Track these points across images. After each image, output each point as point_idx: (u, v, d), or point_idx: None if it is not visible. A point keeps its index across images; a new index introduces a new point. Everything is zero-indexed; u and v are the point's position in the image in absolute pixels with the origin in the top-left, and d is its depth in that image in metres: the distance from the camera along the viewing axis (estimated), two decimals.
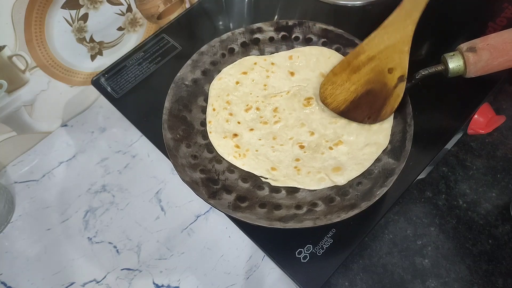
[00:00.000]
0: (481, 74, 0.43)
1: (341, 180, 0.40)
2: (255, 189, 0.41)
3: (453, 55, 0.43)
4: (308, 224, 0.37)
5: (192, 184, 0.39)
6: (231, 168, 0.43)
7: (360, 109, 0.43)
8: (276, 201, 0.40)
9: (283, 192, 0.41)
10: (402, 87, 0.42)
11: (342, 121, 0.44)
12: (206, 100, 0.47)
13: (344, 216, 0.36)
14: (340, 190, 0.40)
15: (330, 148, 0.43)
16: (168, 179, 0.52)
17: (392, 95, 0.42)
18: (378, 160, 0.40)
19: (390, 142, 0.41)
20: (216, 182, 0.41)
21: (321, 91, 0.45)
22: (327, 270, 0.40)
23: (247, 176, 0.42)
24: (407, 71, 0.42)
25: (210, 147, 0.44)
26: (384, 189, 0.37)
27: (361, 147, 0.42)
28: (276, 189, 0.41)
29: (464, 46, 0.43)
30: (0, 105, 0.51)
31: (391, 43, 0.42)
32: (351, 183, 0.40)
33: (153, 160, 0.54)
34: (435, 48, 0.55)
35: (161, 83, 0.47)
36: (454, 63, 0.43)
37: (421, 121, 0.42)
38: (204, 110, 0.47)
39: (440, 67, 0.43)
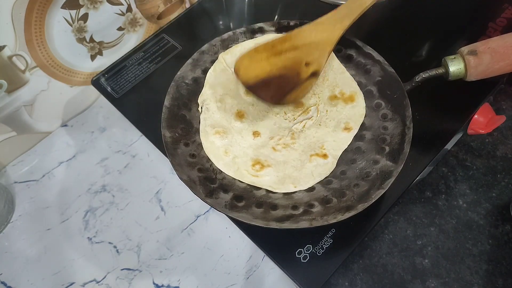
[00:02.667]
0: (481, 77, 0.43)
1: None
2: (252, 189, 0.41)
3: (454, 58, 0.43)
4: (304, 224, 0.37)
5: (190, 183, 0.39)
6: None
7: (267, 88, 0.45)
8: (273, 201, 0.40)
9: (280, 192, 0.41)
10: (312, 81, 0.44)
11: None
12: None
13: (340, 217, 0.36)
14: (337, 191, 0.40)
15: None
16: (168, 179, 0.52)
17: (301, 85, 0.44)
18: (375, 162, 0.40)
19: (388, 145, 0.41)
20: (213, 181, 0.41)
21: (237, 62, 0.45)
22: (327, 270, 0.40)
23: None
24: (321, 68, 0.44)
25: None
26: (381, 192, 0.37)
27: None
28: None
29: (465, 49, 0.43)
30: (0, 105, 0.51)
31: (317, 40, 0.44)
32: (348, 185, 0.40)
33: (153, 160, 0.54)
34: (435, 48, 0.55)
35: (161, 83, 0.47)
36: (454, 66, 0.43)
37: (421, 121, 0.42)
38: None
39: (440, 70, 0.44)
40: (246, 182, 0.41)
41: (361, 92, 0.45)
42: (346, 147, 0.43)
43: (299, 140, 0.44)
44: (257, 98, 0.46)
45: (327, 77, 0.47)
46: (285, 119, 0.45)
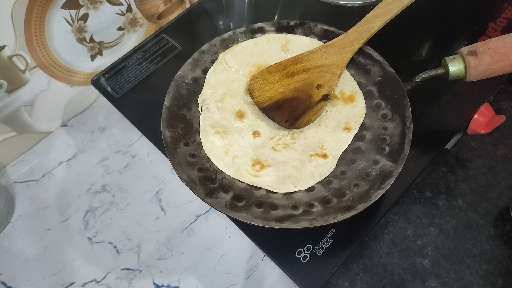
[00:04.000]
0: (481, 78, 0.43)
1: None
2: (252, 189, 0.41)
3: (454, 58, 0.43)
4: (304, 224, 0.37)
5: (190, 183, 0.39)
6: None
7: (281, 111, 0.45)
8: (273, 201, 0.40)
9: (280, 192, 0.41)
10: (323, 105, 0.45)
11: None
12: None
13: (340, 217, 0.36)
14: (337, 191, 0.40)
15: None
16: (168, 179, 0.52)
17: (313, 108, 0.45)
18: (376, 162, 0.40)
19: (388, 145, 0.41)
20: (213, 181, 0.41)
21: (251, 83, 0.46)
22: (327, 270, 0.40)
23: None
24: (332, 92, 0.45)
25: None
26: (381, 192, 0.37)
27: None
28: None
29: (465, 49, 0.43)
30: (0, 105, 0.51)
31: (327, 62, 0.45)
32: (348, 185, 0.40)
33: (153, 160, 0.54)
34: (435, 48, 0.55)
35: (161, 83, 0.47)
36: (454, 67, 0.43)
37: (421, 121, 0.42)
38: None
39: (440, 71, 0.44)
40: (246, 182, 0.41)
41: (361, 92, 0.45)
42: (346, 147, 0.43)
43: (299, 140, 0.44)
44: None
45: None
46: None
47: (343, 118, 0.44)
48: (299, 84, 0.45)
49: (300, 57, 0.46)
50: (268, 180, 0.41)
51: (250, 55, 0.48)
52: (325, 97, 0.45)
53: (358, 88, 0.45)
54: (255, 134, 0.44)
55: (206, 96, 0.46)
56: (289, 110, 0.45)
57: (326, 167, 0.41)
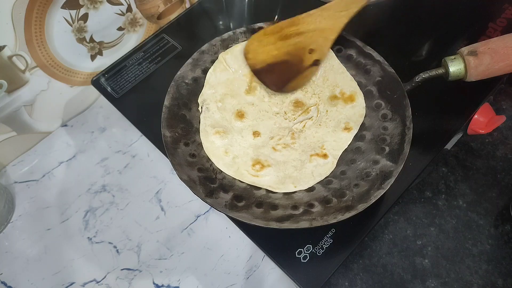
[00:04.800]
0: (481, 78, 0.43)
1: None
2: (252, 189, 0.41)
3: (454, 58, 0.43)
4: (304, 224, 0.37)
5: (190, 183, 0.39)
6: None
7: (271, 74, 0.45)
8: (273, 201, 0.40)
9: (280, 192, 0.41)
10: (313, 70, 0.44)
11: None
12: None
13: (340, 217, 0.36)
14: (337, 191, 0.40)
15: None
16: (168, 179, 0.52)
17: (302, 73, 0.44)
18: (375, 162, 0.40)
19: (388, 145, 0.41)
20: (213, 181, 0.41)
21: (247, 45, 0.46)
22: (327, 270, 0.40)
23: None
24: (324, 57, 0.44)
25: None
26: (381, 192, 0.37)
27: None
28: None
29: (465, 49, 0.43)
30: (0, 105, 0.51)
31: (322, 26, 0.44)
32: (348, 185, 0.40)
33: (153, 160, 0.54)
34: (435, 48, 0.55)
35: (161, 83, 0.47)
36: (454, 67, 0.43)
37: (421, 121, 0.42)
38: None
39: (440, 71, 0.44)
40: (246, 182, 0.41)
41: (361, 92, 0.45)
42: (346, 147, 0.43)
43: (299, 140, 0.44)
44: (258, 98, 0.46)
45: (327, 77, 0.47)
46: (285, 119, 0.45)
47: (343, 118, 0.44)
48: (292, 47, 0.45)
49: (296, 20, 0.45)
50: (268, 180, 0.41)
51: None
52: (316, 62, 0.44)
53: (358, 88, 0.45)
54: (255, 134, 0.44)
55: (206, 96, 0.46)
56: (280, 73, 0.45)
57: (326, 167, 0.41)
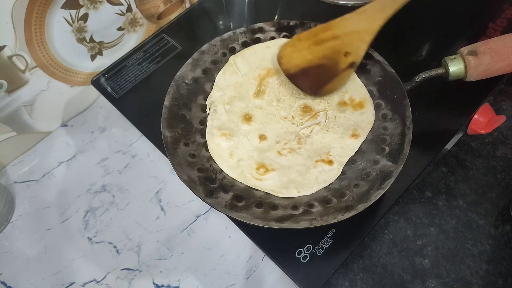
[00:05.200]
0: (481, 78, 0.43)
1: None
2: (252, 189, 0.41)
3: (454, 58, 0.43)
4: (304, 225, 0.37)
5: (190, 183, 0.39)
6: None
7: (306, 78, 0.45)
8: (273, 201, 0.40)
9: (283, 196, 0.41)
10: (349, 72, 0.44)
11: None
12: (206, 99, 0.47)
13: (340, 217, 0.36)
14: (336, 191, 0.40)
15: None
16: (168, 179, 0.52)
17: (338, 76, 0.44)
18: (375, 162, 0.40)
19: (388, 145, 0.41)
20: (213, 181, 0.41)
21: (280, 50, 0.46)
22: (327, 270, 0.40)
23: None
24: (360, 59, 0.44)
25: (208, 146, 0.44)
26: (381, 192, 0.37)
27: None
28: None
29: (465, 49, 0.43)
30: (0, 105, 0.51)
31: (358, 29, 0.44)
32: (348, 185, 0.40)
33: (153, 160, 0.54)
34: (435, 48, 0.55)
35: (161, 83, 0.47)
36: (454, 67, 0.43)
37: (421, 121, 0.42)
38: (203, 109, 0.47)
39: (440, 70, 0.44)
40: (249, 186, 0.41)
41: (371, 99, 0.45)
42: (353, 154, 0.42)
43: (305, 145, 0.43)
44: (266, 102, 0.46)
45: None
46: (293, 124, 0.45)
47: (351, 124, 0.44)
48: (327, 51, 0.45)
49: (331, 24, 0.45)
50: (271, 184, 0.41)
51: (261, 58, 0.48)
52: (352, 65, 0.44)
53: (368, 94, 0.45)
54: (261, 137, 0.44)
55: (215, 98, 0.46)
56: (315, 77, 0.45)
57: (331, 173, 0.41)
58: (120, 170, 0.54)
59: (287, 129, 0.45)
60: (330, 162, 0.41)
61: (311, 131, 0.44)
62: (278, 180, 0.41)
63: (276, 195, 0.40)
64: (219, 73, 0.48)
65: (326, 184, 0.40)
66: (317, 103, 0.46)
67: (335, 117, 0.45)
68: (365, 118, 0.44)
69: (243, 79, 0.47)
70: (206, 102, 0.46)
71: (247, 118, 0.45)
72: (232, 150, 0.43)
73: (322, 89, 0.45)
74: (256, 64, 0.48)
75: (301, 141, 0.44)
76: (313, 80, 0.45)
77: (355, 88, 0.46)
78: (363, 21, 0.44)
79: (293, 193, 0.40)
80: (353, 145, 0.43)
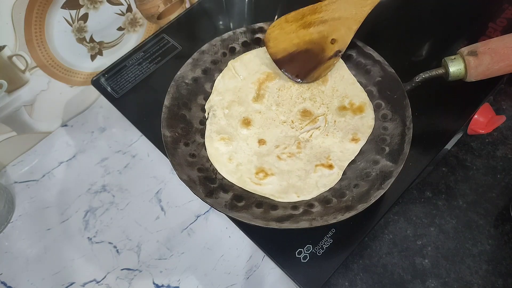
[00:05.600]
0: (481, 78, 0.43)
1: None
2: None
3: (454, 58, 0.43)
4: (304, 225, 0.37)
5: (190, 183, 0.39)
6: None
7: (293, 64, 0.45)
8: (273, 201, 0.40)
9: (282, 201, 0.41)
10: (334, 60, 0.45)
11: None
12: (206, 98, 0.47)
13: (340, 217, 0.36)
14: (336, 191, 0.40)
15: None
16: (168, 179, 0.52)
17: (324, 63, 0.45)
18: (375, 162, 0.40)
19: (388, 145, 0.41)
20: (213, 181, 0.41)
21: (267, 32, 0.46)
22: (327, 270, 0.40)
23: None
24: (345, 48, 0.44)
25: None
26: (381, 192, 0.37)
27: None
28: None
29: (465, 50, 0.43)
30: (0, 105, 0.51)
31: (345, 15, 0.44)
32: (348, 185, 0.40)
33: (153, 160, 0.54)
34: (435, 48, 0.55)
35: (161, 83, 0.47)
36: (454, 67, 0.43)
37: (421, 122, 0.42)
38: (203, 109, 0.47)
39: (440, 71, 0.44)
40: (248, 190, 0.41)
41: (371, 103, 0.45)
42: (353, 158, 0.42)
43: (305, 149, 0.43)
44: (265, 106, 0.46)
45: (336, 88, 0.47)
46: (292, 128, 0.45)
47: (351, 128, 0.44)
48: (314, 36, 0.45)
49: (319, 6, 0.45)
50: (271, 188, 0.41)
51: (260, 63, 0.48)
52: (337, 53, 0.44)
53: (368, 99, 0.45)
54: (261, 142, 0.44)
55: (214, 102, 0.46)
56: (301, 63, 0.45)
57: (331, 177, 0.41)
58: (120, 170, 0.54)
59: (287, 134, 0.44)
60: (330, 166, 0.41)
61: (311, 135, 0.44)
62: (278, 185, 0.41)
63: (276, 199, 0.40)
64: (218, 77, 0.48)
65: (326, 189, 0.40)
66: (317, 108, 0.46)
67: (335, 121, 0.45)
68: (365, 122, 0.44)
69: (242, 84, 0.47)
70: (205, 107, 0.46)
71: (246, 122, 0.45)
72: (231, 154, 0.43)
73: (309, 76, 0.45)
74: (255, 68, 0.48)
75: (300, 146, 0.43)
76: (300, 67, 0.45)
77: (354, 92, 0.46)
78: (351, 6, 0.44)
79: (293, 197, 0.40)
80: (353, 149, 0.42)
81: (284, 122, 0.45)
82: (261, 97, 0.47)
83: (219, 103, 0.46)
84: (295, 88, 0.47)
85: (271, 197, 0.40)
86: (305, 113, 0.46)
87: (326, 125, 0.44)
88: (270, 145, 0.44)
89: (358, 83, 0.46)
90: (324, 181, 0.41)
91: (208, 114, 0.46)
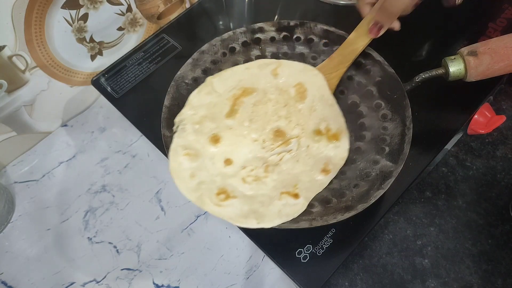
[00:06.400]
0: (481, 78, 0.43)
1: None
2: None
3: (454, 58, 0.43)
4: (304, 225, 0.37)
5: None
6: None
7: None
8: None
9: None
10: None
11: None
12: None
13: (340, 217, 0.36)
14: (337, 191, 0.40)
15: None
16: (168, 179, 0.52)
17: None
18: (375, 162, 0.40)
19: (388, 145, 0.41)
20: None
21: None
22: (327, 270, 0.40)
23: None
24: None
25: None
26: (381, 192, 0.37)
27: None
28: None
29: (465, 50, 0.43)
30: (0, 105, 0.51)
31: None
32: (347, 185, 0.40)
33: (153, 160, 0.54)
34: (435, 48, 0.55)
35: (161, 83, 0.47)
36: (454, 67, 0.43)
37: (421, 121, 0.42)
38: None
39: (440, 71, 0.44)
40: (206, 210, 0.39)
41: (347, 132, 0.43)
42: (321, 191, 0.40)
43: (273, 174, 0.41)
44: (238, 122, 0.44)
45: (314, 108, 0.44)
46: (263, 148, 0.42)
47: (323, 157, 0.42)
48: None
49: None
50: (230, 211, 0.38)
51: (238, 79, 0.46)
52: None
53: (345, 125, 0.43)
54: (227, 162, 0.41)
55: (185, 116, 0.44)
56: None
57: (296, 207, 0.38)
58: (120, 170, 0.54)
59: (255, 155, 0.42)
60: (296, 195, 0.39)
61: (281, 159, 0.42)
62: (239, 209, 0.38)
63: (233, 223, 0.38)
64: (194, 92, 0.45)
65: (288, 219, 0.38)
66: (291, 128, 0.44)
67: (308, 146, 0.42)
68: (338, 153, 0.42)
69: (217, 99, 0.45)
70: (175, 120, 0.44)
71: (215, 139, 0.42)
72: (194, 171, 0.40)
73: None
74: (232, 85, 0.46)
75: (268, 170, 0.41)
76: None
77: (332, 115, 0.44)
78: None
79: (252, 223, 0.37)
80: (321, 182, 0.40)
81: (256, 141, 0.43)
82: (235, 112, 0.44)
83: (190, 118, 0.44)
84: (271, 104, 0.45)
85: (230, 221, 0.38)
86: (278, 133, 0.43)
87: (298, 149, 0.42)
88: (237, 165, 0.41)
89: (338, 106, 0.44)
90: (287, 210, 0.38)
91: (177, 127, 0.43)
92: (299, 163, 0.41)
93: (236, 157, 0.42)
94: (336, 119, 0.44)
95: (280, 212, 0.38)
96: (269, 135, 0.43)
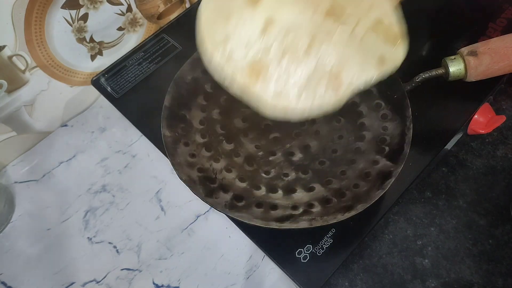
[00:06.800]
0: (481, 78, 0.43)
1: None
2: (252, 189, 0.41)
3: (454, 58, 0.43)
4: (304, 225, 0.37)
5: (190, 183, 0.39)
6: (229, 167, 0.43)
7: None
8: (273, 201, 0.40)
9: (280, 192, 0.41)
10: None
11: None
12: (206, 98, 0.47)
13: (340, 217, 0.36)
14: (337, 191, 0.40)
15: None
16: (168, 179, 0.52)
17: None
18: (375, 162, 0.40)
19: (388, 145, 0.41)
20: (213, 181, 0.41)
21: None
22: (327, 270, 0.40)
23: (244, 176, 0.42)
24: None
25: (208, 146, 0.44)
26: (381, 192, 0.37)
27: None
28: (272, 189, 0.41)
29: (465, 50, 0.43)
30: (0, 105, 0.51)
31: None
32: (347, 185, 0.40)
33: (153, 160, 0.54)
34: (435, 48, 0.55)
35: (161, 83, 0.47)
36: (454, 67, 0.43)
37: (421, 122, 0.42)
38: (203, 109, 0.47)
39: (440, 71, 0.44)
40: (236, 88, 0.34)
41: (407, 40, 0.36)
42: (372, 82, 0.35)
43: (317, 52, 0.34)
44: None
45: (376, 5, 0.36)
46: (311, 18, 0.34)
47: (377, 51, 0.35)
48: None
49: None
50: (263, 89, 0.33)
51: None
52: None
53: (405, 33, 0.36)
54: (266, 25, 0.34)
55: None
56: None
57: (331, 99, 0.33)
58: (120, 170, 0.54)
59: (301, 24, 0.34)
60: (339, 84, 0.34)
61: (332, 38, 0.34)
62: (273, 91, 0.33)
63: (266, 104, 0.33)
64: None
65: (319, 112, 0.34)
66: (347, 15, 0.35)
67: (364, 35, 0.35)
68: (393, 55, 0.36)
69: None
70: None
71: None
72: (226, 35, 0.34)
73: None
74: None
75: (314, 43, 0.34)
76: None
77: (396, 18, 0.37)
78: None
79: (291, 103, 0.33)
80: (373, 73, 0.35)
81: (302, 13, 0.35)
82: None
83: None
84: None
85: (261, 102, 0.33)
86: (332, 12, 0.35)
87: (352, 33, 0.35)
88: (276, 32, 0.34)
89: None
90: (320, 101, 0.33)
91: None
92: (350, 47, 0.34)
93: (278, 22, 0.34)
94: (399, 22, 0.36)
95: (312, 104, 0.33)
96: (322, 12, 0.35)
